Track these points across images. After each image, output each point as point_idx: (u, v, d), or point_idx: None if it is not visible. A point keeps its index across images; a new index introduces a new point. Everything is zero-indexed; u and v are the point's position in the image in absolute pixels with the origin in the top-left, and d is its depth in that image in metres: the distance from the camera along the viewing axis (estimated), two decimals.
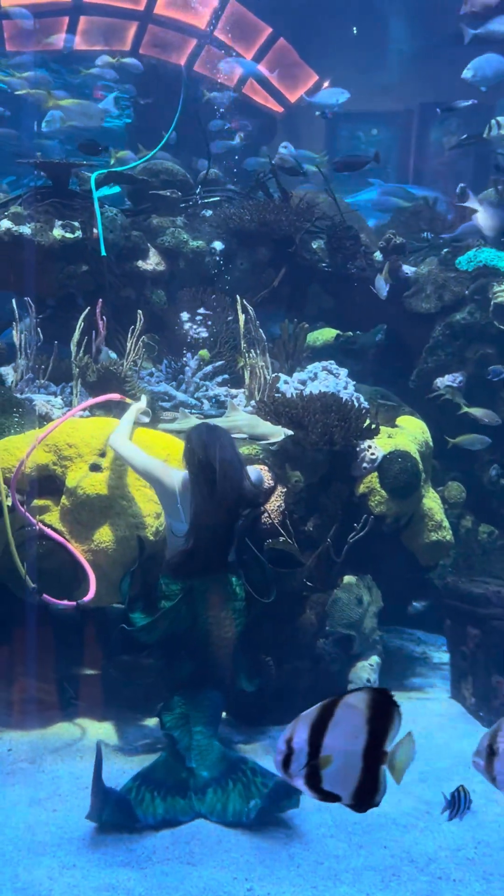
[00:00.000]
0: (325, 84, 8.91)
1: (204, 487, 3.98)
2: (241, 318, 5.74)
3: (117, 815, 3.56)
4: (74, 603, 4.22)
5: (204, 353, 5.82)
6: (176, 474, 4.16)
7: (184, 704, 4.02)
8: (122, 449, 4.36)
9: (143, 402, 4.86)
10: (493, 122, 6.67)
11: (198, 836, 3.53)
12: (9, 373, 5.58)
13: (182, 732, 3.92)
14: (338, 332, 7.13)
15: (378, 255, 6.84)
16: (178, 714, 3.99)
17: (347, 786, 2.25)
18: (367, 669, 4.79)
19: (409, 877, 3.31)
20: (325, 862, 3.40)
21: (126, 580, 4.22)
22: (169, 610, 4.03)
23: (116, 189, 7.41)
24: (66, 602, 4.23)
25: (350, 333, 7.28)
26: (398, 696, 5.10)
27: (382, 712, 2.26)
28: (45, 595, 4.17)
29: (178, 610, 4.04)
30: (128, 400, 4.95)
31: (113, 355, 5.47)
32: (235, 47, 10.54)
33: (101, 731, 4.44)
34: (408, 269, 6.79)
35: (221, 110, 9.03)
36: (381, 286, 6.22)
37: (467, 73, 6.89)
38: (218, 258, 6.61)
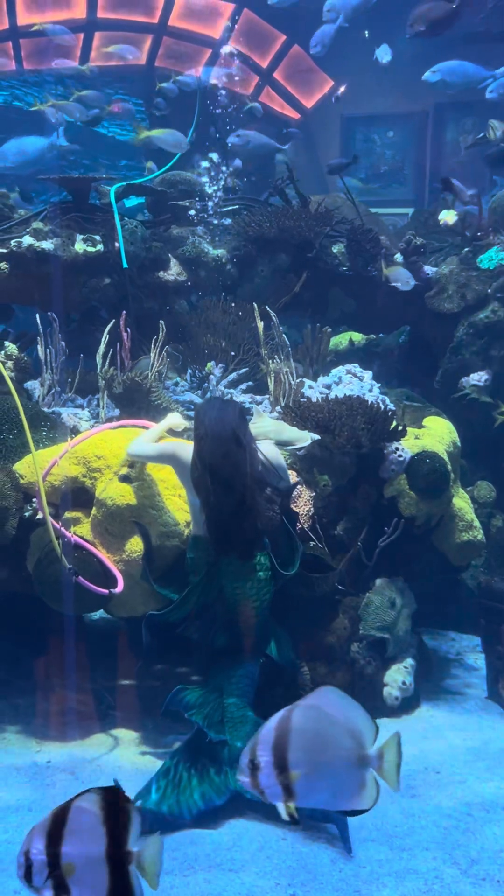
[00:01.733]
0: (341, 89, 8.90)
1: (200, 455, 3.95)
2: (260, 325, 5.76)
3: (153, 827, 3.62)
4: (108, 591, 4.26)
5: (209, 366, 5.86)
6: (190, 449, 4.12)
7: (217, 676, 4.07)
8: (136, 450, 4.39)
9: (176, 420, 4.82)
10: (490, 124, 6.69)
11: (239, 843, 3.54)
12: (35, 387, 5.63)
13: (214, 707, 3.96)
14: (351, 335, 7.12)
15: (399, 257, 6.83)
16: (212, 687, 4.04)
17: (99, 892, 2.20)
18: (402, 672, 4.77)
19: (453, 879, 3.30)
20: (368, 866, 3.39)
21: (143, 566, 4.28)
22: (195, 586, 4.08)
23: (140, 199, 7.47)
24: (99, 588, 4.26)
25: (373, 336, 7.30)
26: (433, 697, 5.12)
27: (117, 811, 2.23)
28: (80, 577, 4.21)
29: (203, 585, 4.08)
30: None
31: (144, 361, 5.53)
32: (251, 56, 10.57)
33: (138, 740, 4.46)
34: (429, 270, 6.77)
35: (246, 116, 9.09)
36: (404, 276, 6.16)
37: (431, 76, 6.89)
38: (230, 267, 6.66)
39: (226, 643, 4.11)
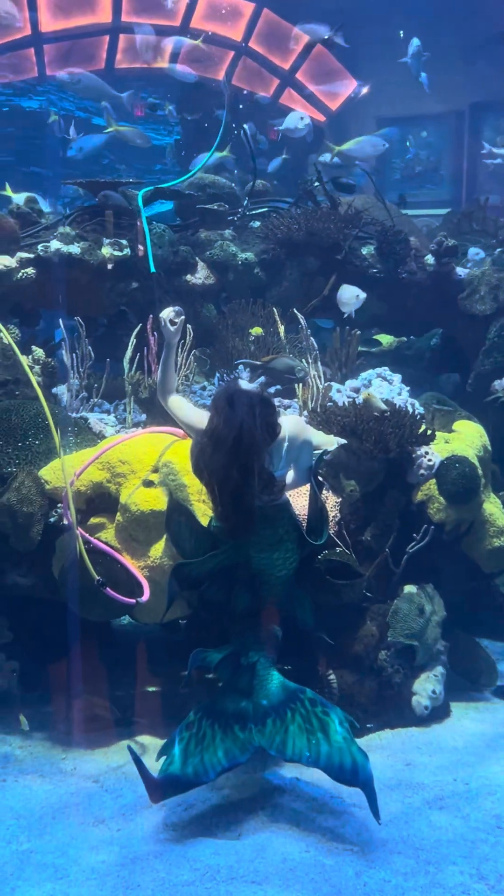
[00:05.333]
0: (365, 90, 8.82)
1: (209, 425, 3.83)
2: (281, 328, 5.72)
3: (175, 790, 3.73)
4: (134, 601, 4.24)
5: (257, 329, 5.80)
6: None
7: (241, 638, 4.05)
8: (172, 406, 4.43)
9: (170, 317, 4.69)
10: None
11: (262, 854, 3.48)
12: (63, 392, 5.63)
13: (244, 659, 3.97)
14: (366, 340, 6.99)
15: (430, 259, 6.75)
16: (236, 648, 4.02)
17: None
18: (431, 680, 4.69)
19: (480, 895, 3.22)
20: (393, 880, 3.32)
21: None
22: (222, 551, 4.07)
23: (168, 206, 7.45)
24: (126, 598, 4.23)
25: (404, 339, 7.22)
26: (464, 706, 5.02)
27: None
28: (108, 589, 4.18)
29: (229, 552, 4.06)
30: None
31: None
32: (272, 58, 10.52)
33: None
34: (461, 271, 6.68)
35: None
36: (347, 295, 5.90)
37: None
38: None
39: (248, 606, 4.08)
